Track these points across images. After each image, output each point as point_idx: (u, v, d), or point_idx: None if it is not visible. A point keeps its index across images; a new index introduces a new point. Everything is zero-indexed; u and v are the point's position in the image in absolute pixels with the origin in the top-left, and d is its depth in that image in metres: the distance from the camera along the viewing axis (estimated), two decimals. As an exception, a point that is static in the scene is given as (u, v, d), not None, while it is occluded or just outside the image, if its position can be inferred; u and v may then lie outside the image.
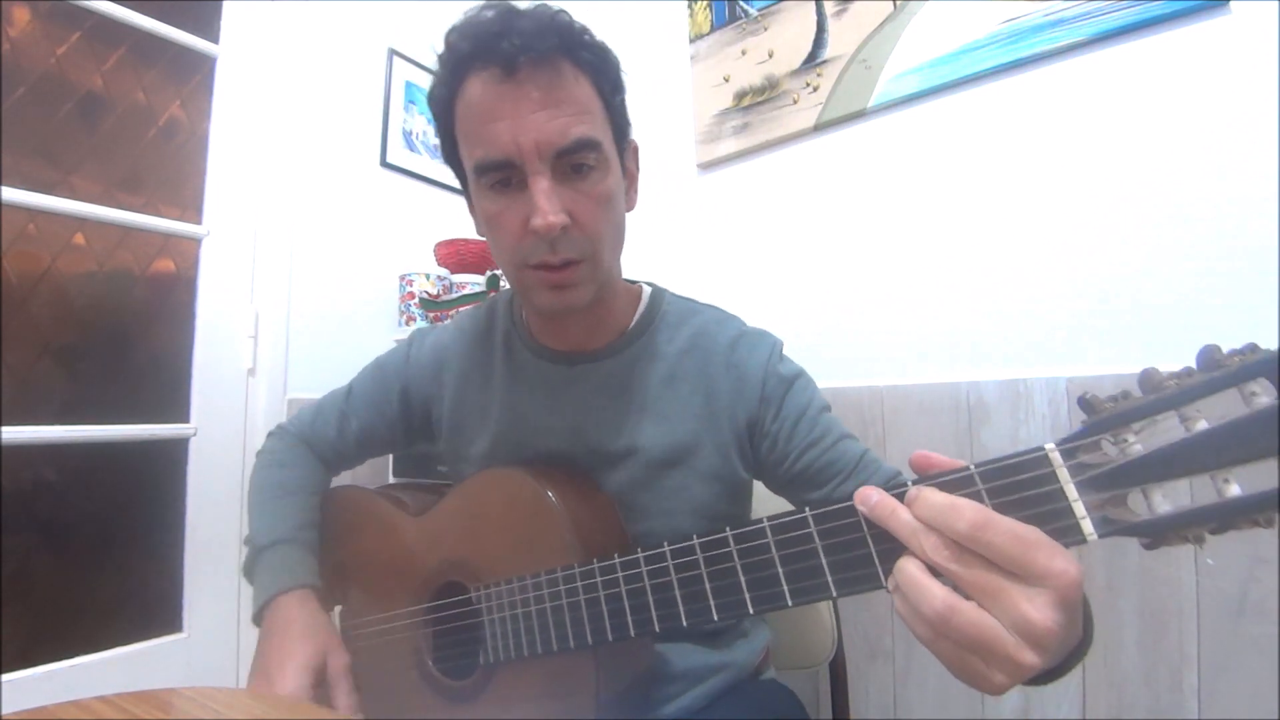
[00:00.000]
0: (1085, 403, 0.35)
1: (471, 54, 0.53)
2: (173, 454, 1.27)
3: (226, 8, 1.38)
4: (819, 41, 1.27)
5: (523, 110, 0.52)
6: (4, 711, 0.75)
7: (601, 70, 0.57)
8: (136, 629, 1.20)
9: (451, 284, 1.58)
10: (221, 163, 1.36)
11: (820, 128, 1.26)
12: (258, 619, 0.64)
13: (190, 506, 1.27)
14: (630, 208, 0.64)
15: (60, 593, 1.14)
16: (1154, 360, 0.95)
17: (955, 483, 0.37)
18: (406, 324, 1.55)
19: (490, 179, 0.55)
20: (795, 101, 1.29)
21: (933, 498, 0.35)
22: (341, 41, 1.56)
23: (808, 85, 1.27)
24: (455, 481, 0.72)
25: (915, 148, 1.15)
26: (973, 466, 0.37)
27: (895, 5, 1.17)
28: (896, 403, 1.10)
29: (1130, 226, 0.94)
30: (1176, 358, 0.95)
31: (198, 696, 0.54)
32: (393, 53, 1.66)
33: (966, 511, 0.34)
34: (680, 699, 0.64)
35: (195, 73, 1.35)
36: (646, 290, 0.72)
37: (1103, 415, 0.34)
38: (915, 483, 0.38)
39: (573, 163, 0.54)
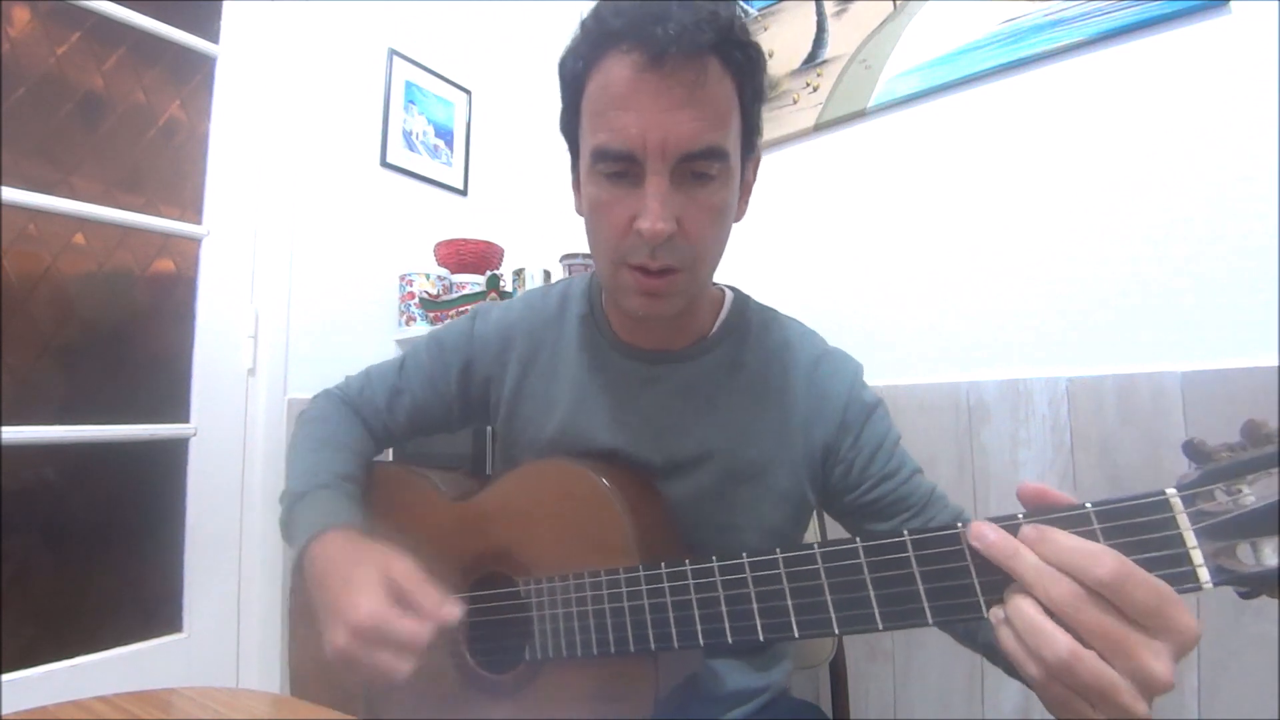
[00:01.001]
0: (1193, 449, 0.36)
1: (620, 32, 0.49)
2: (173, 454, 1.27)
3: (226, 8, 1.38)
4: (819, 41, 1.27)
5: (660, 105, 0.49)
6: (4, 711, 0.75)
7: (749, 74, 0.53)
8: (136, 629, 1.20)
9: (451, 284, 1.58)
10: (221, 163, 1.36)
11: (820, 128, 1.26)
12: (298, 569, 0.60)
13: (190, 506, 1.27)
14: (739, 219, 0.61)
15: (60, 593, 1.14)
16: (1153, 360, 0.95)
17: (1070, 520, 0.36)
18: (406, 324, 1.55)
19: (606, 167, 0.52)
20: (795, 101, 1.29)
21: (1065, 541, 0.34)
22: (341, 41, 1.56)
23: (808, 85, 1.27)
24: (501, 466, 0.70)
25: (915, 148, 1.15)
26: (1089, 505, 0.36)
27: (895, 5, 1.17)
28: (896, 403, 1.10)
29: (1130, 226, 0.94)
30: (1177, 358, 0.95)
31: (198, 696, 0.54)
32: (393, 53, 1.66)
33: (1108, 560, 0.33)
34: (723, 717, 0.64)
35: (195, 73, 1.35)
36: (729, 295, 0.70)
37: (1219, 463, 0.34)
38: (1027, 519, 0.37)
39: (694, 169, 0.51)
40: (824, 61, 1.26)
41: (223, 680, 1.28)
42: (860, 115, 1.21)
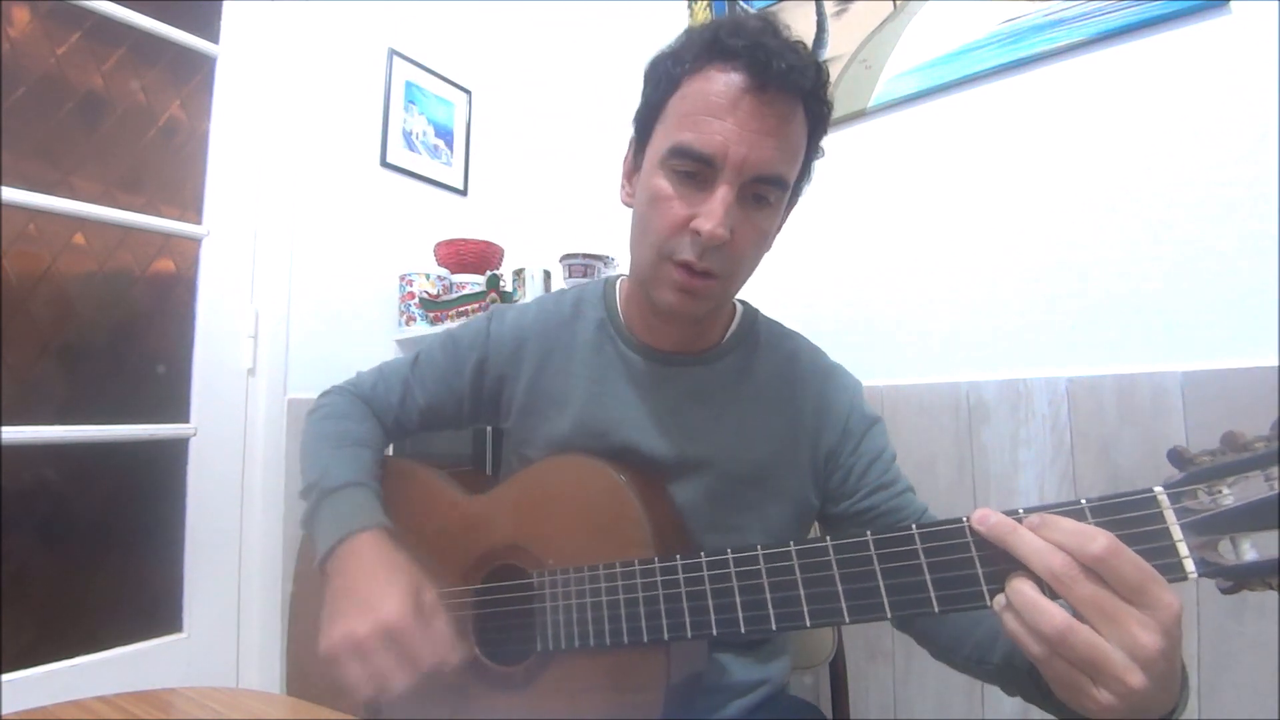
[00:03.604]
0: (1175, 455, 0.39)
1: (735, 51, 0.53)
2: (173, 454, 1.27)
3: (226, 8, 1.38)
4: (819, 41, 1.27)
5: (750, 124, 0.53)
6: (4, 711, 0.75)
7: (819, 128, 0.59)
8: (136, 629, 1.20)
9: (451, 284, 1.58)
10: (221, 163, 1.36)
11: (820, 128, 1.26)
12: (325, 562, 0.60)
13: (190, 506, 1.27)
14: (768, 249, 0.64)
15: (60, 593, 1.14)
16: (1153, 360, 0.95)
17: (1066, 514, 0.39)
18: (406, 324, 1.55)
19: (681, 164, 0.55)
20: (795, 101, 1.29)
21: (1064, 523, 0.37)
22: (341, 41, 1.56)
23: (808, 85, 1.28)
24: (508, 464, 0.71)
25: (915, 148, 1.15)
26: (1084, 501, 0.39)
27: (895, 5, 1.17)
28: (896, 403, 1.10)
29: (1130, 227, 0.94)
30: (1177, 358, 0.95)
31: (198, 696, 0.54)
32: (393, 53, 1.66)
33: (1100, 537, 0.36)
34: (724, 709, 0.64)
35: (195, 73, 1.35)
36: (739, 308, 0.73)
37: (1200, 467, 0.38)
38: (1029, 511, 0.40)
39: (758, 191, 0.55)
40: (824, 61, 1.26)
41: (223, 680, 1.28)
42: (860, 115, 1.21)
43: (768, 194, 0.56)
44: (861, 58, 1.21)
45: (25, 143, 1.13)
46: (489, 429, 1.26)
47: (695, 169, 0.54)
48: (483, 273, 1.56)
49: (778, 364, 0.68)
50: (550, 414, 0.69)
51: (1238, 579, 0.37)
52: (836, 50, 1.24)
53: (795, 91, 0.54)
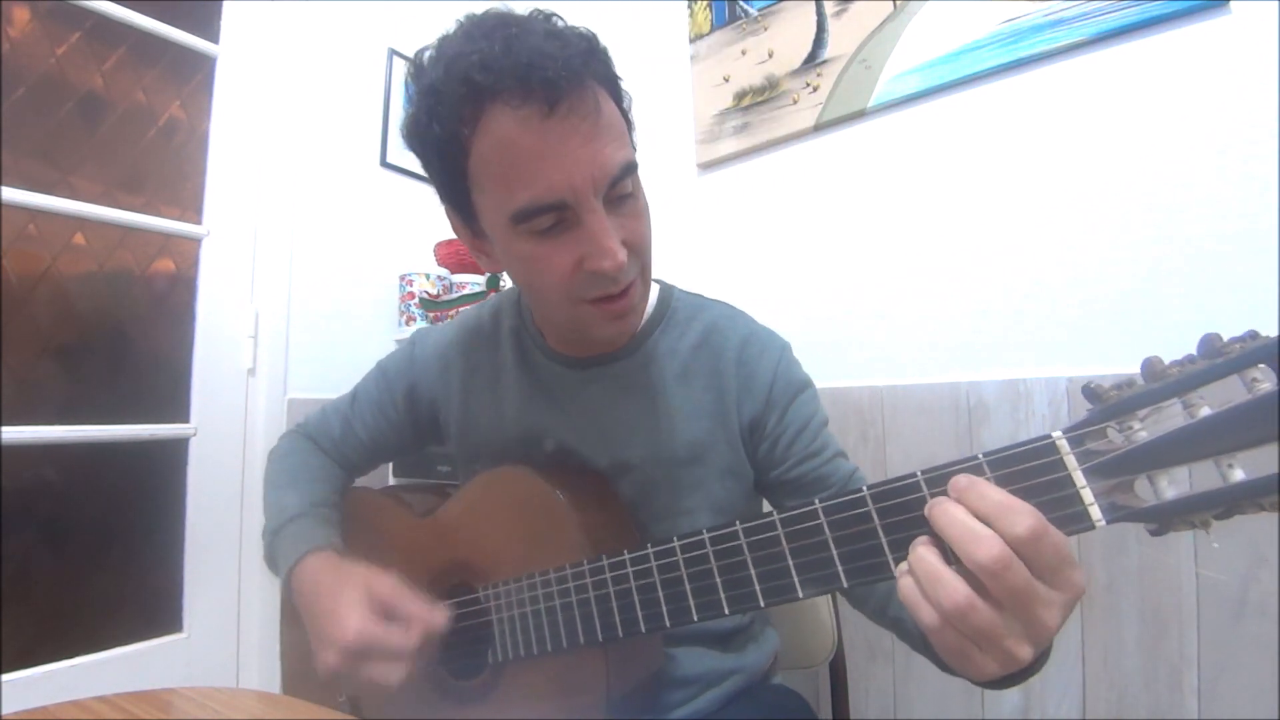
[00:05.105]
0: (1090, 391, 0.36)
1: (497, 88, 0.47)
2: (173, 454, 1.27)
3: (226, 8, 1.38)
4: (819, 41, 1.27)
5: (570, 146, 0.48)
6: (4, 711, 0.75)
7: (615, 82, 0.55)
8: (136, 629, 1.20)
9: (451, 284, 1.58)
10: (221, 163, 1.36)
11: (820, 128, 1.26)
12: (286, 594, 0.63)
13: (190, 506, 1.27)
14: None
15: (60, 593, 1.14)
16: (1154, 360, 0.94)
17: (966, 470, 0.37)
18: (406, 324, 1.55)
19: (539, 224, 0.51)
20: (795, 101, 1.29)
21: (992, 493, 0.34)
22: (341, 41, 1.56)
23: (808, 85, 1.27)
24: (463, 482, 0.71)
25: (915, 148, 1.15)
26: (981, 455, 0.36)
27: (895, 5, 1.17)
28: (896, 403, 1.10)
29: (1130, 226, 0.94)
30: (1177, 357, 0.94)
31: (198, 696, 0.55)
32: (393, 53, 1.66)
33: (1027, 518, 0.33)
34: (693, 703, 0.64)
35: (195, 73, 1.35)
36: (655, 287, 0.71)
37: (1108, 403, 0.35)
38: (924, 474, 0.38)
39: (619, 192, 0.52)
40: (824, 61, 1.26)
41: (223, 680, 1.28)
42: (860, 115, 1.21)
43: (626, 185, 0.52)
44: (861, 58, 1.21)
45: (25, 143, 1.13)
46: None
47: (553, 220, 0.50)
48: (483, 273, 1.56)
49: (698, 337, 0.67)
50: (487, 432, 0.70)
51: (1159, 520, 0.34)
52: (836, 50, 1.24)
53: (581, 83, 0.49)
